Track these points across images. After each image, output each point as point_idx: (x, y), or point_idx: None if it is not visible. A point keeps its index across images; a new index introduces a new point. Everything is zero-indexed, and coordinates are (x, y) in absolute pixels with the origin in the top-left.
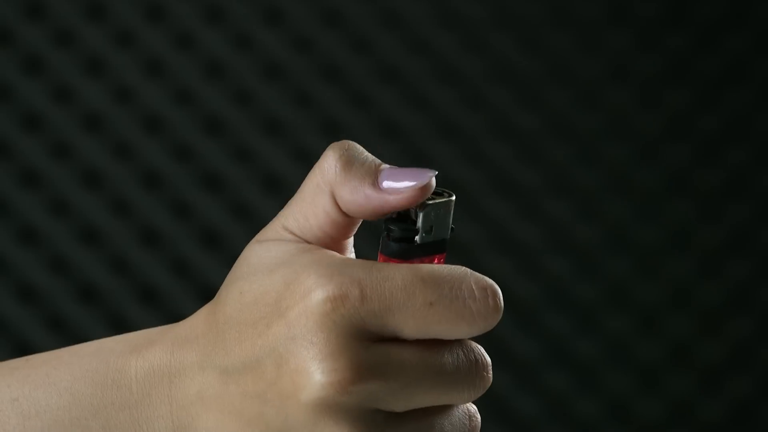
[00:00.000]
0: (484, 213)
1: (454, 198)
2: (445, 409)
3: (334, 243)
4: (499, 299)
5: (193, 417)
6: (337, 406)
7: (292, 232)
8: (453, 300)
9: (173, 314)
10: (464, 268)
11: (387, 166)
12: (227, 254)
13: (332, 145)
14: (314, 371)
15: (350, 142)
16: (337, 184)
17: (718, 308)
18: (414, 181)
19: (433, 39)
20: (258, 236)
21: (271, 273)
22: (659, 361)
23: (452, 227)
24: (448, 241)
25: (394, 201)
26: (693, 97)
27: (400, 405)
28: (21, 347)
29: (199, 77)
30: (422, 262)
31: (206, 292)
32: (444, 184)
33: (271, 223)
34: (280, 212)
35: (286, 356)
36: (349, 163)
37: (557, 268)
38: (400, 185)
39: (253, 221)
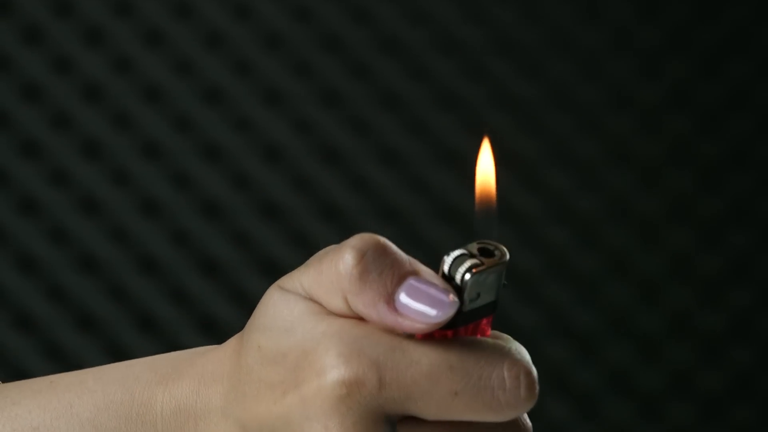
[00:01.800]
0: None
1: (507, 258)
2: None
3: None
4: (533, 389)
5: None
6: None
7: (310, 298)
8: (481, 390)
9: (174, 286)
10: (502, 349)
11: (411, 274)
12: (228, 226)
13: (354, 241)
14: None
15: (374, 240)
16: (351, 293)
17: (718, 278)
18: (433, 310)
19: (435, 9)
20: (280, 282)
21: (288, 333)
22: (659, 331)
23: (504, 283)
24: (497, 302)
25: (407, 327)
26: (694, 67)
27: None
28: (21, 318)
29: (199, 47)
30: (467, 330)
31: (207, 263)
32: (444, 152)
33: (294, 272)
34: (303, 266)
35: None
36: (365, 272)
37: (558, 239)
38: (416, 310)
39: (253, 191)
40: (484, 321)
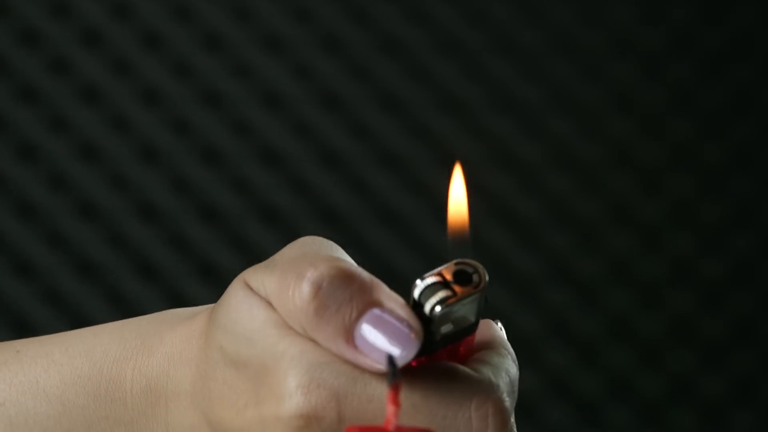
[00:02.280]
0: (485, 131)
1: (484, 284)
2: None
3: None
4: (503, 428)
5: None
6: None
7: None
8: (445, 430)
9: (174, 233)
10: (472, 383)
11: (373, 305)
12: (228, 172)
13: (310, 271)
14: None
15: (332, 270)
16: (308, 328)
17: (721, 225)
18: (395, 348)
19: (434, 11)
20: (247, 275)
21: (249, 343)
22: (661, 278)
23: (486, 300)
24: (478, 323)
25: (367, 366)
26: (697, 70)
27: None
28: (21, 264)
29: (198, 50)
30: (445, 352)
31: (207, 209)
32: (444, 100)
33: (261, 268)
34: (270, 264)
35: None
36: (322, 307)
37: (560, 185)
38: (376, 348)
39: (253, 138)
40: (467, 340)
